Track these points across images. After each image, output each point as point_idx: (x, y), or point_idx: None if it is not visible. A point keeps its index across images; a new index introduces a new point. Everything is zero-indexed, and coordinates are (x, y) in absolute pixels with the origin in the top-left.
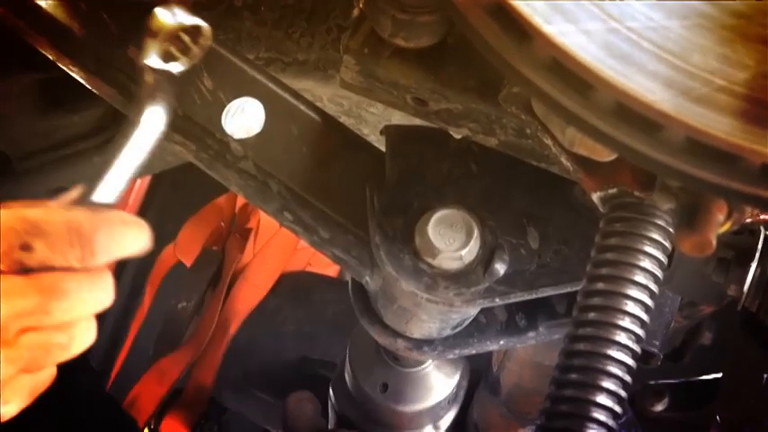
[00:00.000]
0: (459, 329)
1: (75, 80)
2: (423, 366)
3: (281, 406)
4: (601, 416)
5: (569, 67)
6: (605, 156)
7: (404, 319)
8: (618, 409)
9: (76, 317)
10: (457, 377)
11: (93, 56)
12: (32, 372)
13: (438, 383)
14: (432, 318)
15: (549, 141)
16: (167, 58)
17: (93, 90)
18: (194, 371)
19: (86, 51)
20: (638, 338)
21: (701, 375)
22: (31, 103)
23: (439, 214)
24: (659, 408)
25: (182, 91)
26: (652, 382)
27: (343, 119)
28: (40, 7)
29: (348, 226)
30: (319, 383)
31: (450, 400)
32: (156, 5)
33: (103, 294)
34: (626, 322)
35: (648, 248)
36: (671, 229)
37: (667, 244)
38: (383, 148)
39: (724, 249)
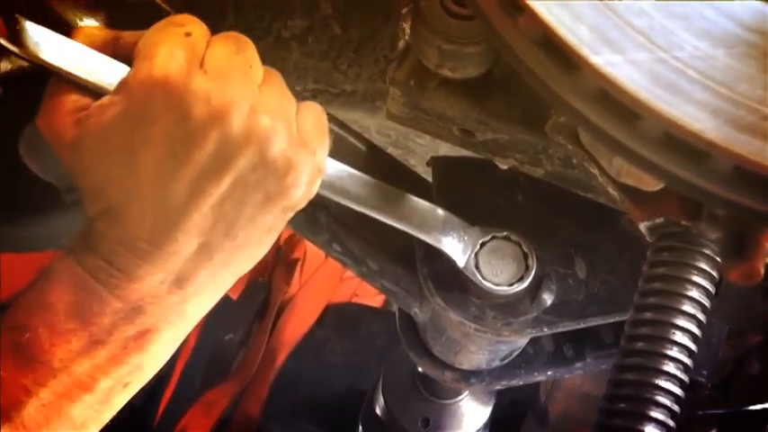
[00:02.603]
0: (507, 360)
1: None
2: (460, 397)
3: None
4: None
5: (617, 97)
6: (652, 185)
7: (453, 350)
8: None
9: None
10: (492, 405)
11: None
12: None
13: (474, 413)
14: (481, 349)
15: (595, 171)
16: None
17: None
18: (241, 402)
19: None
20: (686, 368)
21: (749, 405)
22: None
23: (488, 245)
24: None
25: None
26: (700, 413)
27: (390, 150)
28: None
29: (397, 257)
30: None
31: (485, 428)
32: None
33: None
34: (674, 352)
35: (696, 278)
36: (718, 259)
37: (715, 273)
38: (430, 179)
39: None
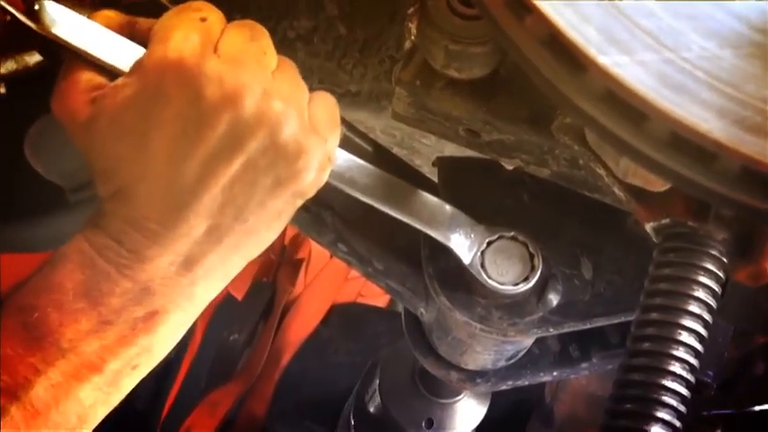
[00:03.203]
0: (513, 361)
1: None
2: (460, 396)
3: None
4: None
5: (624, 98)
6: (659, 186)
7: (458, 350)
8: None
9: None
10: (488, 403)
11: None
12: None
13: (473, 411)
14: (486, 349)
15: (602, 172)
16: None
17: None
18: (246, 402)
19: None
20: (692, 368)
21: (754, 406)
22: None
23: (495, 245)
24: None
25: None
26: (705, 413)
27: (395, 150)
28: None
29: (402, 257)
30: (371, 415)
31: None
32: None
33: None
34: (680, 352)
35: (702, 278)
36: (725, 259)
37: (721, 274)
38: (436, 180)
39: None
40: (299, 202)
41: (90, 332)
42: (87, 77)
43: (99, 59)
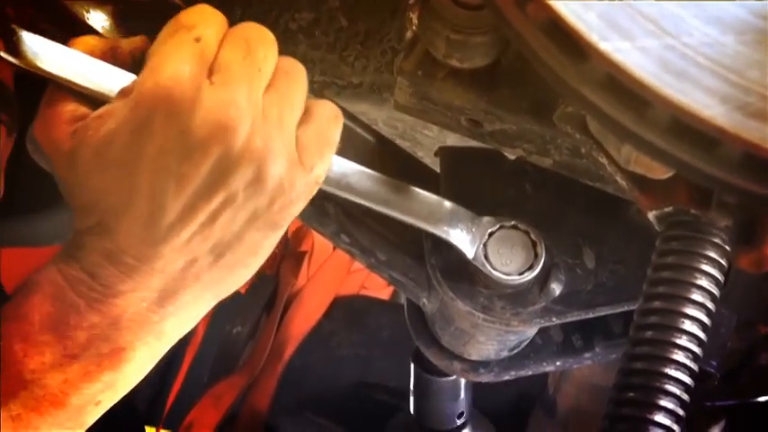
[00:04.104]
0: (516, 351)
1: None
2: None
3: None
4: None
5: (625, 84)
6: (661, 174)
7: (461, 341)
8: (677, 428)
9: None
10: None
11: None
12: None
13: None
14: (489, 339)
15: (604, 160)
16: None
17: None
18: (249, 396)
19: None
20: (695, 357)
21: (758, 397)
22: None
23: (496, 235)
24: (716, 430)
25: None
26: (708, 404)
27: (398, 142)
28: (96, 32)
29: (405, 248)
30: (375, 408)
31: None
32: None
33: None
34: (683, 341)
35: (705, 267)
36: (727, 247)
37: (724, 262)
38: (438, 170)
39: None
40: (279, 234)
41: (54, 365)
42: (71, 108)
43: (83, 87)
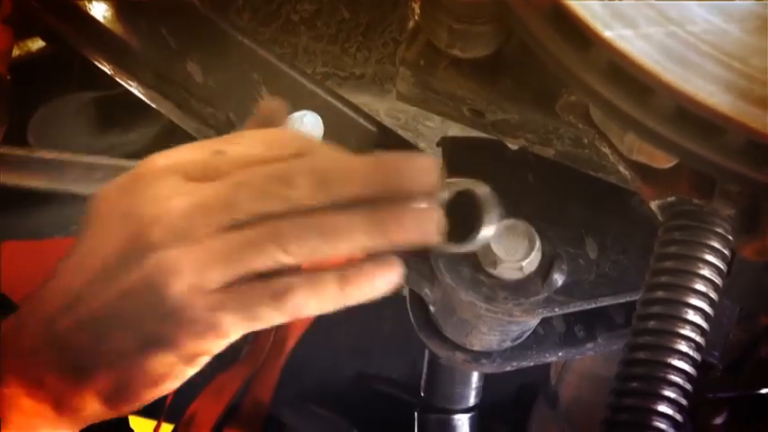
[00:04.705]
0: (518, 341)
1: (132, 97)
2: None
3: None
4: (662, 424)
5: (629, 72)
6: (664, 163)
7: (464, 331)
8: (679, 417)
9: None
10: None
11: (151, 70)
12: None
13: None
14: (492, 330)
15: (606, 150)
16: None
17: (152, 105)
18: (251, 388)
19: (145, 66)
20: (698, 347)
21: (761, 389)
22: (89, 121)
23: (501, 224)
24: (718, 421)
25: (240, 105)
26: (710, 396)
27: (400, 132)
28: (98, 21)
29: None
30: (376, 399)
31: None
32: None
33: None
34: (686, 330)
35: (708, 256)
36: (730, 237)
37: (727, 252)
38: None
39: None
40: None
41: None
42: None
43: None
